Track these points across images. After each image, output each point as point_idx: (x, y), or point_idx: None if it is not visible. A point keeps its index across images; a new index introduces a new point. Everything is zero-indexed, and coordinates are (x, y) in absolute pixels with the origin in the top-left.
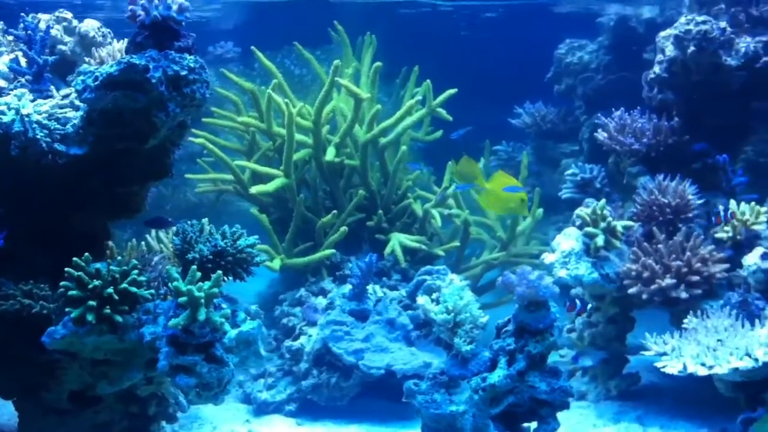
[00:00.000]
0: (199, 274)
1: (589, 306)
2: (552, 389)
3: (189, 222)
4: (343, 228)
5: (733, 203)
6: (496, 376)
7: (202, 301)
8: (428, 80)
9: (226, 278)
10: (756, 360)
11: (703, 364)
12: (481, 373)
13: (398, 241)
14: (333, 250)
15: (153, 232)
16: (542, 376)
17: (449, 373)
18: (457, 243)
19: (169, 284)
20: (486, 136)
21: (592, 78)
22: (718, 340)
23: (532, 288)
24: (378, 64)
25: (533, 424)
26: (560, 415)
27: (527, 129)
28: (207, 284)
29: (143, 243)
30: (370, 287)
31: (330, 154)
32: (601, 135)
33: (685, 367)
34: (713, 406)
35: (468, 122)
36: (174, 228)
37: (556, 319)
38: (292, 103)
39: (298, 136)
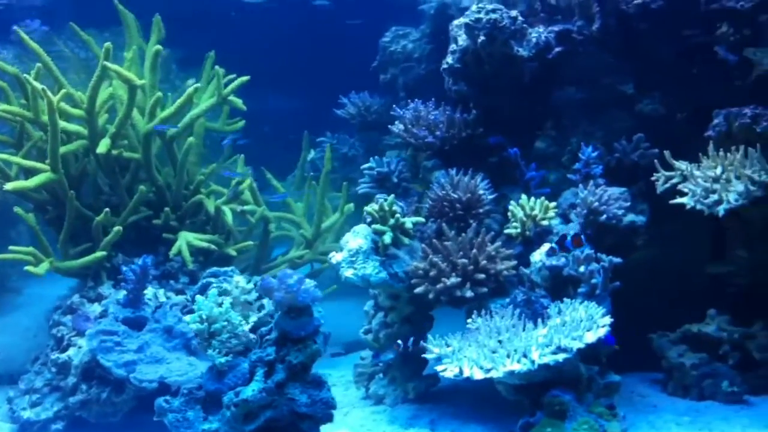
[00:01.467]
0: None
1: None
2: (313, 401)
3: None
4: (117, 228)
5: (524, 198)
6: (250, 390)
7: None
8: (219, 68)
9: None
10: (532, 362)
11: (481, 367)
12: (238, 386)
13: (186, 240)
14: (104, 252)
15: None
16: (303, 387)
17: (206, 387)
18: (250, 242)
19: None
20: (313, 127)
21: (413, 68)
22: (499, 342)
23: (291, 293)
24: (158, 47)
25: None
26: (353, 419)
27: (352, 120)
28: None
29: None
30: (150, 292)
31: (103, 146)
32: (396, 128)
33: (461, 371)
34: (509, 408)
35: (290, 111)
36: None
37: (320, 325)
38: (64, 88)
39: (73, 126)
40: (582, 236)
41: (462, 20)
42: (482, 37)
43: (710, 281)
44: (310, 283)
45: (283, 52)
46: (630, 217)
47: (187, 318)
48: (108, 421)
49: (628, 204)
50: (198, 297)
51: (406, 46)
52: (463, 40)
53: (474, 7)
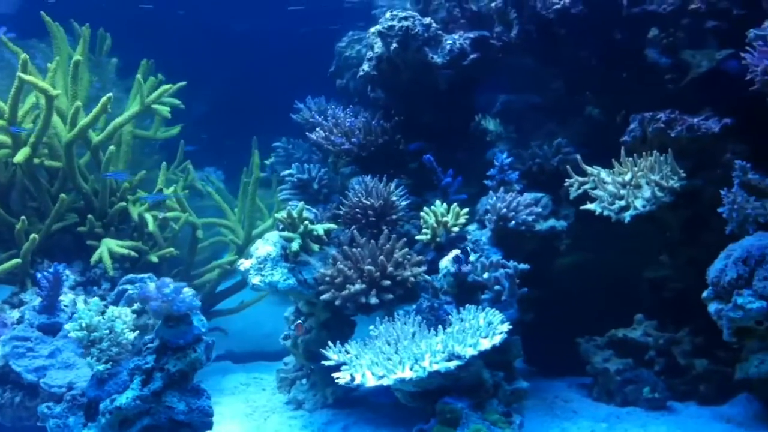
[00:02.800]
0: None
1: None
2: (191, 409)
3: None
4: (33, 236)
5: (437, 204)
6: (125, 398)
7: None
8: (156, 76)
9: None
10: (423, 369)
11: (373, 374)
12: (117, 393)
13: (107, 247)
14: (18, 260)
15: None
16: (182, 395)
17: (87, 394)
18: (172, 249)
19: None
20: (271, 132)
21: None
22: (396, 349)
23: (167, 302)
24: (77, 57)
25: None
26: (270, 424)
27: (306, 125)
28: None
29: None
30: (68, 298)
31: (20, 155)
32: (315, 134)
33: (352, 378)
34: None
35: (249, 116)
36: None
37: (200, 334)
38: None
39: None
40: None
41: (376, 28)
42: (395, 45)
43: (649, 286)
44: (188, 292)
45: (238, 60)
46: (550, 222)
47: (68, 326)
48: (23, 425)
49: (541, 210)
50: (79, 306)
51: (361, 50)
52: (378, 47)
53: (388, 15)
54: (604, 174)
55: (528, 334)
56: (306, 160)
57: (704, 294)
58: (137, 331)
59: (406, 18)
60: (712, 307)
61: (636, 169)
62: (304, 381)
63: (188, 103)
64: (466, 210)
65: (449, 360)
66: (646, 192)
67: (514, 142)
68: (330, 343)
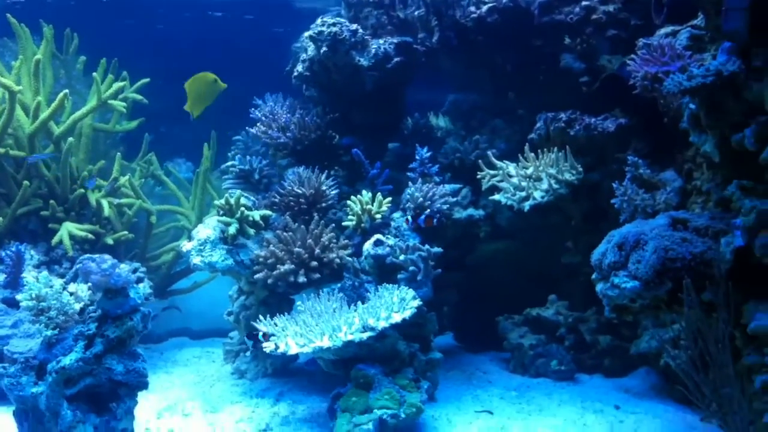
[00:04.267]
0: None
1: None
2: (128, 371)
3: None
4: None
5: (363, 194)
6: (68, 359)
7: None
8: (119, 74)
9: None
10: (339, 339)
11: (296, 344)
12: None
13: (67, 230)
14: None
15: None
16: (120, 358)
17: (38, 357)
18: (126, 232)
19: None
20: (232, 126)
21: None
22: (318, 322)
23: (105, 276)
24: (38, 57)
25: None
26: (215, 390)
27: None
28: None
29: None
30: (32, 275)
31: None
32: (255, 129)
33: (277, 346)
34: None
35: (219, 112)
36: None
37: (137, 305)
38: None
39: None
40: (434, 218)
41: (308, 32)
42: (325, 48)
43: (564, 271)
44: (124, 267)
45: (200, 55)
46: (469, 211)
47: (20, 297)
48: None
49: (459, 200)
50: (28, 278)
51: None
52: (311, 50)
53: (318, 21)
54: (511, 168)
55: (455, 314)
56: (263, 153)
57: (593, 276)
58: (82, 304)
59: (334, 24)
60: (598, 288)
61: (538, 163)
62: (247, 353)
63: (162, 98)
64: (389, 199)
65: (363, 331)
66: (544, 184)
67: (462, 137)
68: (260, 317)
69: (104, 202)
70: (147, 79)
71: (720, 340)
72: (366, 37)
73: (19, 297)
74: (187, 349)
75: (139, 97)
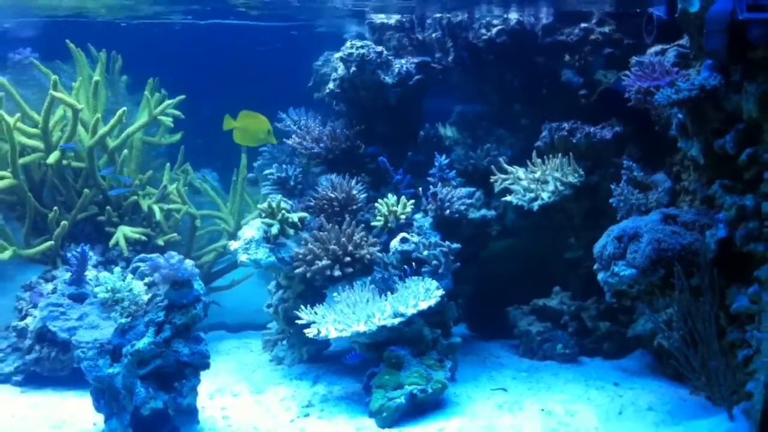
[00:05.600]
0: None
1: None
2: (192, 353)
3: None
4: (63, 223)
5: (390, 197)
6: (142, 343)
7: None
8: (159, 92)
9: None
10: (374, 324)
11: (336, 329)
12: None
13: (122, 233)
14: (51, 242)
15: None
16: (186, 342)
17: (113, 342)
18: (175, 234)
19: None
20: None
21: None
22: (354, 310)
23: (173, 270)
24: (96, 78)
25: None
26: (257, 375)
27: (287, 132)
28: None
29: None
30: (92, 274)
31: (52, 158)
32: (292, 141)
33: (318, 332)
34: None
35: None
36: None
37: (200, 294)
38: (26, 113)
39: (33, 142)
40: (438, 195)
41: (339, 54)
42: (354, 68)
43: (568, 265)
44: (189, 262)
45: (241, 81)
46: (482, 212)
47: (97, 289)
48: (57, 375)
49: (474, 201)
50: (104, 273)
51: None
52: (341, 70)
53: (348, 44)
54: (520, 172)
55: (469, 305)
56: (288, 162)
57: (594, 266)
58: (150, 294)
59: (362, 46)
60: (600, 276)
61: (545, 168)
62: (284, 342)
63: (190, 114)
64: (412, 201)
65: (394, 317)
66: (551, 186)
67: (468, 146)
68: (302, 306)
69: (155, 208)
70: (183, 96)
71: (707, 320)
72: (389, 57)
73: (96, 289)
74: (226, 341)
75: (178, 113)
